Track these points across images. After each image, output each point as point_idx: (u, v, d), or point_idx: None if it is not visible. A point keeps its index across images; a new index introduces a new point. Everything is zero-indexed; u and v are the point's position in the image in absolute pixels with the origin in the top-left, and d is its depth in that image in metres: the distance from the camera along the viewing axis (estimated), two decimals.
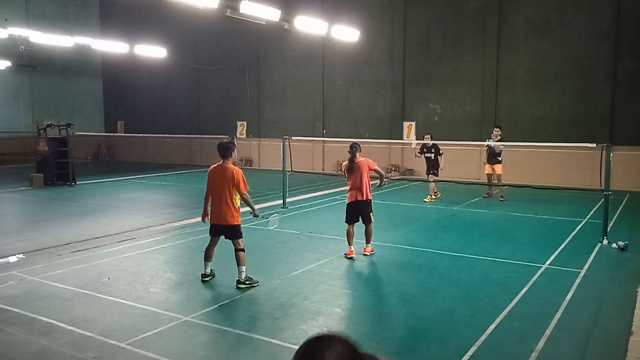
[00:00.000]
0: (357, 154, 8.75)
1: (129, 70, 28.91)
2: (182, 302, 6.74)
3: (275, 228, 8.82)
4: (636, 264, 8.49)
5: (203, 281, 7.44)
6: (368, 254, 8.79)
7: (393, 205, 14.18)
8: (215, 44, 26.52)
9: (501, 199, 14.92)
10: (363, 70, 22.37)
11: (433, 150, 14.79)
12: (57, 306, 6.49)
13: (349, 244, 8.69)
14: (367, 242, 8.83)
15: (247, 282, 7.21)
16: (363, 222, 8.77)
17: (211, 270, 7.56)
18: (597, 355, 5.24)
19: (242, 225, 7.46)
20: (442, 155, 14.81)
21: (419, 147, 15.29)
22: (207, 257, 7.50)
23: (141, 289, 7.19)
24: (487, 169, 15.24)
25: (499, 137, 14.92)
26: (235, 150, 7.48)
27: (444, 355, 5.20)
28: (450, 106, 20.52)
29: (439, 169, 14.85)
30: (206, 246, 7.54)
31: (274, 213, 8.82)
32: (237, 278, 7.24)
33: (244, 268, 7.24)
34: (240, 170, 7.34)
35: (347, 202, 8.84)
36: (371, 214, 8.77)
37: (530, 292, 7.02)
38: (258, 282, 7.32)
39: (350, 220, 8.80)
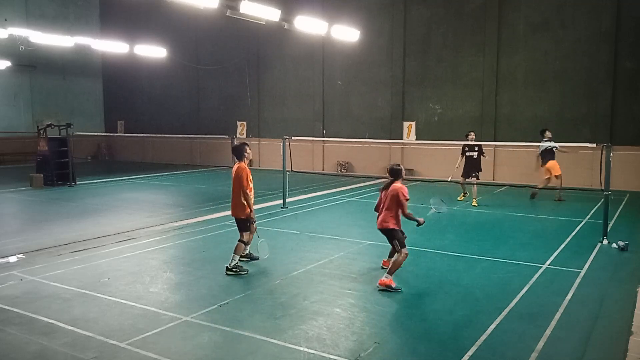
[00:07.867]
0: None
1: (129, 70, 28.91)
2: (182, 302, 6.74)
3: (266, 256, 8.32)
4: (636, 264, 8.50)
5: (241, 260, 8.05)
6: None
7: None
8: (215, 44, 26.52)
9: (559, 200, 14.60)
10: (363, 70, 22.37)
11: (476, 149, 13.86)
12: (57, 306, 6.49)
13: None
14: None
15: (234, 270, 7.76)
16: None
17: (249, 252, 8.33)
18: (597, 355, 5.24)
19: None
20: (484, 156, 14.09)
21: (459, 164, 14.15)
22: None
23: (141, 289, 7.19)
24: (556, 169, 14.38)
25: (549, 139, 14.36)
26: (249, 150, 8.07)
27: (444, 355, 5.20)
28: (450, 106, 20.52)
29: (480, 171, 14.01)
30: None
31: (263, 240, 8.31)
32: (227, 265, 7.81)
33: (237, 257, 7.82)
34: (247, 169, 7.97)
35: None
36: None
37: (530, 292, 7.03)
38: (247, 270, 7.86)
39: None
